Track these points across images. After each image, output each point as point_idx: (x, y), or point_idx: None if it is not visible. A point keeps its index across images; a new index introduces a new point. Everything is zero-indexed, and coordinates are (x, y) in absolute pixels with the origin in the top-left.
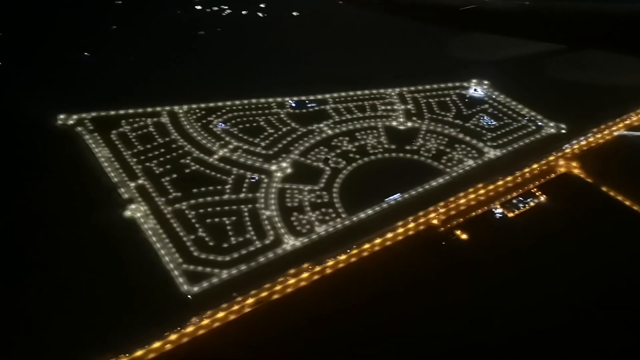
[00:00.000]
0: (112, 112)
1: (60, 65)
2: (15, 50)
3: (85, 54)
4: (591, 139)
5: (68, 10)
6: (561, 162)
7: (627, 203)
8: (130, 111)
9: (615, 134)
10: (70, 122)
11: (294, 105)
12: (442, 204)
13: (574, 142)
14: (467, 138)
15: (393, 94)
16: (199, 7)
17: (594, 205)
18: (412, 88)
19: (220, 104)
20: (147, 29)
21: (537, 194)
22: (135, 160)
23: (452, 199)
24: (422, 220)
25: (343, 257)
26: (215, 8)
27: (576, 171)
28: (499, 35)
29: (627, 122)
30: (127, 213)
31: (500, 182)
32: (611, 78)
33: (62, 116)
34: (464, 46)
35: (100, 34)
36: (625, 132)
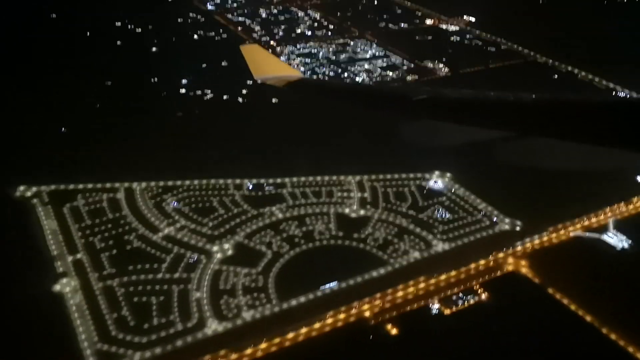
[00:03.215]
0: (71, 186)
1: (31, 136)
2: None
3: (63, 129)
4: (545, 238)
5: (49, 82)
6: (510, 260)
7: (572, 307)
8: (89, 186)
9: (572, 234)
10: (28, 194)
11: (251, 187)
12: (378, 295)
13: (527, 240)
14: (417, 229)
15: (353, 181)
16: (183, 91)
17: (537, 308)
18: (373, 177)
19: (179, 182)
20: (128, 106)
21: (479, 291)
22: (80, 234)
23: (389, 291)
24: (353, 311)
25: (263, 345)
26: (199, 92)
27: (524, 270)
28: (459, 124)
29: (586, 223)
30: (57, 287)
31: (443, 277)
32: (575, 175)
33: (22, 188)
34: (425, 135)
35: (78, 107)
36: (581, 233)
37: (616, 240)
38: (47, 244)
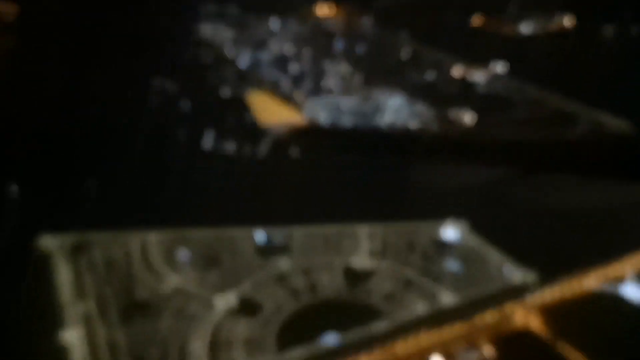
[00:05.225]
0: (91, 235)
1: (58, 185)
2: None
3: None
4: (560, 291)
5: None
6: (521, 314)
7: None
8: (108, 235)
9: (588, 286)
10: (50, 242)
11: (260, 237)
12: (378, 349)
13: (540, 292)
14: (425, 281)
15: (362, 230)
16: (205, 146)
17: None
18: (384, 225)
19: (191, 232)
20: (150, 161)
21: (484, 347)
22: (92, 284)
23: (390, 344)
24: None
25: None
26: (221, 147)
27: (534, 326)
28: (474, 165)
29: (605, 274)
30: (62, 338)
31: (447, 331)
32: (596, 221)
33: (45, 236)
34: (441, 180)
35: (105, 160)
36: (599, 285)
37: (638, 293)
38: (58, 294)
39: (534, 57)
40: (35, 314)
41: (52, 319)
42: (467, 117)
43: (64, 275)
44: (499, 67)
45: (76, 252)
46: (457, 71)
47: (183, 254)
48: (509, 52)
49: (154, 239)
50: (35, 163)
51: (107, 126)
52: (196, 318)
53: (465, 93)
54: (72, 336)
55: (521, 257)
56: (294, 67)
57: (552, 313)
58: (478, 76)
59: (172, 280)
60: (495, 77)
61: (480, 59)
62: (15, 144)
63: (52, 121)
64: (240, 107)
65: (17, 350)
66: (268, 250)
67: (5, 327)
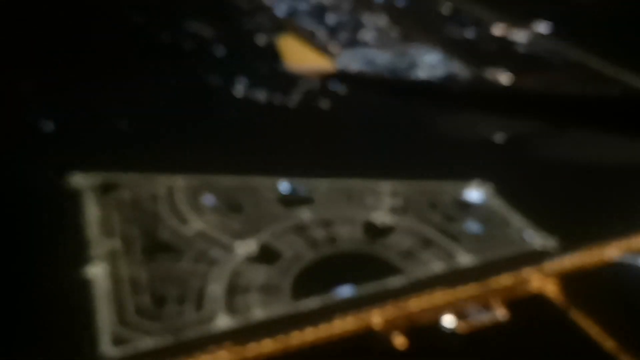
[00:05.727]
0: (121, 177)
1: (92, 126)
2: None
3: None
4: (580, 259)
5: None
6: (537, 279)
7: (594, 338)
8: (139, 177)
9: (610, 256)
10: (80, 180)
11: (284, 187)
12: (390, 305)
13: (560, 259)
14: (444, 241)
15: (386, 187)
16: (237, 93)
17: (556, 334)
18: (408, 182)
19: (217, 178)
20: (184, 105)
21: (497, 310)
22: (119, 223)
23: (403, 301)
24: (361, 319)
25: (269, 342)
26: (253, 94)
27: (550, 292)
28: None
29: (627, 244)
30: (88, 272)
31: (462, 291)
32: (625, 188)
33: (76, 174)
34: (468, 138)
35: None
36: (621, 257)
37: None
38: (86, 230)
39: (580, 17)
40: (63, 248)
41: (80, 254)
42: (503, 77)
43: (92, 213)
44: (542, 27)
45: (105, 192)
46: (498, 29)
47: (208, 199)
48: (554, 12)
49: (180, 182)
50: (70, 105)
51: (140, 70)
52: (216, 261)
53: (504, 52)
54: (97, 271)
55: (544, 222)
56: (331, 18)
57: (569, 280)
58: (519, 35)
59: (196, 224)
60: (537, 37)
61: (523, 18)
62: (52, 85)
63: (87, 63)
64: (274, 55)
65: (45, 281)
66: (291, 201)
67: (35, 260)
